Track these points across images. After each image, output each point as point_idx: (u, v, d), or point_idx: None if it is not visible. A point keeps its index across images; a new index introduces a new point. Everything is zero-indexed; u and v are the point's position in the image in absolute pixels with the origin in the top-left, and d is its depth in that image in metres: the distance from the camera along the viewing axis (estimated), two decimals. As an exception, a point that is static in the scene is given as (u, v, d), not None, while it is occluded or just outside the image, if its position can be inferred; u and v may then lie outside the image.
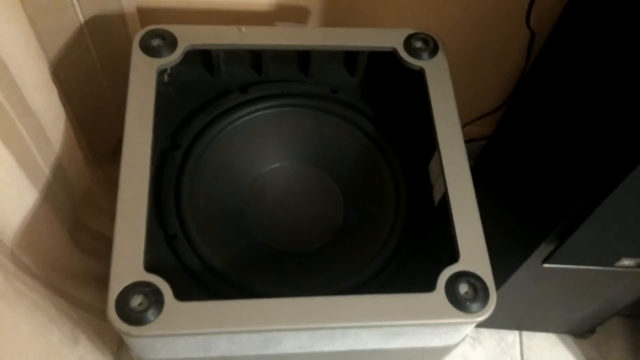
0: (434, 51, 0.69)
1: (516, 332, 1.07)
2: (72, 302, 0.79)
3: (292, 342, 0.58)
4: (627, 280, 0.83)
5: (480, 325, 1.06)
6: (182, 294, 0.54)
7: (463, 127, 1.02)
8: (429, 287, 0.57)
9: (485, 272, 0.58)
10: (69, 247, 0.78)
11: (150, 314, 0.53)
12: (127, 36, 0.85)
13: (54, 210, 0.72)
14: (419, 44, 0.70)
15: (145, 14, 0.87)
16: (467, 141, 1.06)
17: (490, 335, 1.06)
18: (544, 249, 0.76)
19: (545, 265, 0.77)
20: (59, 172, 0.72)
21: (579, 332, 1.07)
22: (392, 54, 0.70)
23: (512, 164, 0.93)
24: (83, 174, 0.80)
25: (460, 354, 1.04)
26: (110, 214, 0.93)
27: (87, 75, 0.85)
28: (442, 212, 0.63)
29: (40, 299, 0.67)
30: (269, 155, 0.73)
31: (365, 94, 0.74)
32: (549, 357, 1.05)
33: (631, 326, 1.09)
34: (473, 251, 0.59)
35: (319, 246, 0.69)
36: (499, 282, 0.87)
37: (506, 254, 0.83)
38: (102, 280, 0.88)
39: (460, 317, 0.56)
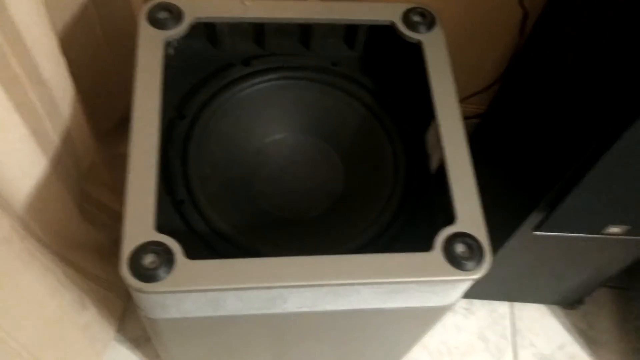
0: (431, 24, 0.72)
1: (507, 303, 1.11)
2: (79, 271, 0.81)
3: (297, 300, 0.61)
4: (614, 248, 0.86)
5: (472, 296, 1.10)
6: (190, 257, 0.56)
7: (457, 104, 1.05)
8: (428, 248, 0.59)
9: (481, 232, 0.61)
10: (76, 217, 0.80)
11: (162, 271, 0.55)
12: (130, 13, 0.87)
13: (62, 180, 0.74)
14: (416, 18, 0.72)
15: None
16: (461, 119, 1.09)
17: (482, 306, 1.10)
18: (535, 218, 0.79)
19: (536, 233, 0.81)
20: (68, 143, 0.74)
21: (568, 303, 1.10)
22: (391, 28, 0.72)
23: (505, 139, 0.96)
24: (89, 146, 0.82)
25: (453, 324, 1.08)
26: (113, 189, 0.95)
27: (92, 51, 0.86)
28: (439, 179, 0.66)
29: (50, 264, 0.69)
30: (272, 125, 0.75)
31: (364, 67, 0.76)
32: (539, 327, 1.09)
33: (618, 297, 1.13)
34: (469, 213, 0.61)
35: (321, 212, 0.71)
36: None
37: (499, 223, 0.85)
38: (106, 252, 0.91)
39: (456, 275, 0.58)
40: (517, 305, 1.11)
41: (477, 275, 0.59)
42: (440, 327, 1.07)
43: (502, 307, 1.10)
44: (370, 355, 0.85)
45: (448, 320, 1.08)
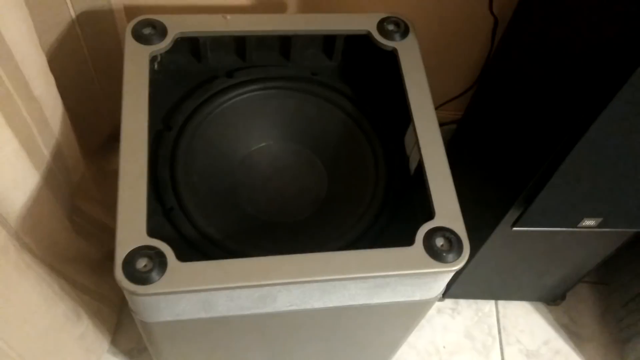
0: (405, 33, 0.76)
1: (492, 302, 1.14)
2: (72, 283, 0.83)
3: (286, 299, 0.63)
4: (591, 241, 0.90)
5: (458, 296, 1.13)
6: (182, 261, 0.59)
7: (435, 110, 1.08)
8: (410, 243, 0.62)
9: (459, 226, 0.64)
10: (68, 230, 0.82)
11: (155, 274, 0.57)
12: (115, 32, 0.90)
13: (54, 194, 0.76)
14: (391, 27, 0.76)
15: (131, 12, 0.91)
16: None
17: (468, 306, 1.12)
18: (512, 214, 0.82)
19: (515, 229, 0.84)
20: (58, 157, 0.76)
21: (551, 299, 1.14)
22: (367, 37, 0.76)
23: (482, 142, 0.99)
24: (79, 161, 0.84)
25: (440, 324, 1.10)
26: (103, 203, 0.97)
27: (79, 69, 0.89)
28: (418, 179, 0.69)
29: (45, 275, 0.71)
30: (256, 134, 0.78)
31: (343, 75, 0.79)
32: (523, 323, 1.12)
33: (598, 292, 1.17)
34: (447, 209, 0.64)
35: (307, 215, 0.74)
36: (473, 250, 0.93)
37: (479, 222, 0.89)
38: (97, 265, 0.92)
39: (437, 267, 0.61)
40: (502, 304, 1.14)
41: (456, 266, 0.62)
42: (428, 327, 1.09)
43: (487, 306, 1.13)
44: (360, 354, 0.88)
45: (435, 320, 1.10)
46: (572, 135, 0.68)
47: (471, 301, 1.13)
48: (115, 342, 1.00)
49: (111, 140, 1.07)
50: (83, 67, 0.89)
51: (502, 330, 1.11)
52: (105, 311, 0.93)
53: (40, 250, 0.76)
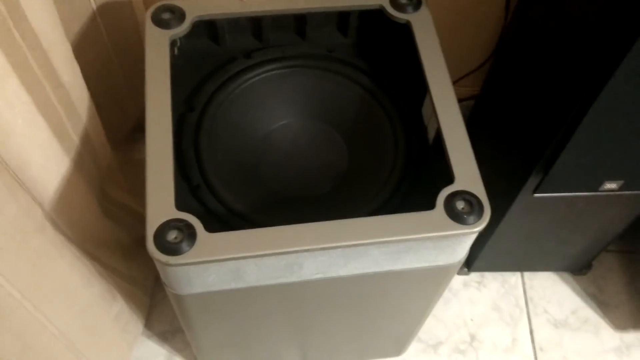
0: (417, 5, 0.77)
1: (518, 274, 1.14)
2: (105, 267, 0.86)
3: (312, 266, 0.65)
4: (613, 205, 0.90)
5: (484, 269, 1.13)
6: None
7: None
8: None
9: (479, 189, 0.65)
10: (99, 215, 0.85)
11: (185, 245, 0.60)
12: (135, 23, 0.92)
13: (84, 179, 0.79)
14: (403, 0, 0.77)
15: (149, 2, 0.93)
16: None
17: (494, 278, 1.13)
18: (533, 180, 0.83)
19: (537, 195, 0.84)
20: (87, 144, 0.78)
21: (577, 269, 1.14)
22: (380, 11, 0.77)
23: (501, 113, 1.00)
24: (106, 148, 0.87)
25: (467, 298, 1.11)
26: (130, 191, 1.00)
27: (102, 61, 0.92)
28: (437, 148, 0.70)
29: (80, 254, 0.74)
30: (276, 112, 0.80)
31: (358, 51, 0.81)
32: (550, 294, 1.12)
33: (625, 261, 1.16)
34: (466, 173, 0.65)
35: (329, 189, 0.76)
36: (496, 220, 0.94)
37: (500, 192, 0.89)
38: (128, 249, 0.95)
39: (459, 229, 0.62)
40: (528, 275, 1.14)
41: (478, 228, 0.63)
42: (455, 301, 1.10)
43: (513, 278, 1.13)
44: (387, 326, 0.89)
45: (462, 294, 1.11)
46: (588, 97, 0.69)
47: (497, 274, 1.14)
48: (148, 325, 1.03)
49: (136, 131, 1.09)
50: (105, 59, 0.92)
51: (529, 302, 1.11)
52: (138, 294, 0.96)
53: (73, 233, 0.79)
